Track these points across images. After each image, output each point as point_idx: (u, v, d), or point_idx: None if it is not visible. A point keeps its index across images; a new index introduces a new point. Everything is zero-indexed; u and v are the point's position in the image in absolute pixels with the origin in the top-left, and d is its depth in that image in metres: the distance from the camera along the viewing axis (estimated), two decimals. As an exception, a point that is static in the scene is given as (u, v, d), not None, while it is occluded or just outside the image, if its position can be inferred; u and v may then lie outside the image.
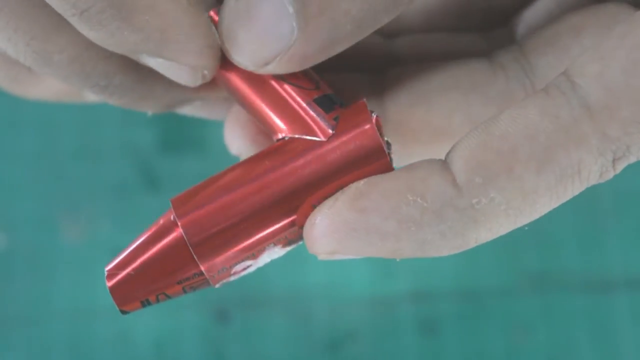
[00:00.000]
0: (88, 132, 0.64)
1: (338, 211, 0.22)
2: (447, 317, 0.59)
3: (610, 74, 0.21)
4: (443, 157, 0.23)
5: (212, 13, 0.24)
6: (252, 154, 0.26)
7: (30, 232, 0.61)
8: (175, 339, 0.59)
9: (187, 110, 0.30)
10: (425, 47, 0.30)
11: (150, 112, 0.30)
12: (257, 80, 0.24)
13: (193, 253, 0.24)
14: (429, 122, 0.27)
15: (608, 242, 0.60)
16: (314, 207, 0.23)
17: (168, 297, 0.25)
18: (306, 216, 0.24)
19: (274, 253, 0.25)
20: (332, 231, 0.22)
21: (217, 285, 0.25)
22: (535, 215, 0.22)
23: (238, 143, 0.28)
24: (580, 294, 0.60)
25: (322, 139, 0.23)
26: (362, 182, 0.22)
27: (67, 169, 0.63)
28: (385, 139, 0.24)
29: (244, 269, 0.25)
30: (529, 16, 0.30)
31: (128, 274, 0.25)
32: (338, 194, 0.23)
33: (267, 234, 0.24)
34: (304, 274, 0.59)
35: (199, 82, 0.24)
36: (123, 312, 0.25)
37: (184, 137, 0.64)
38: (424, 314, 0.59)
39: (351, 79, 0.28)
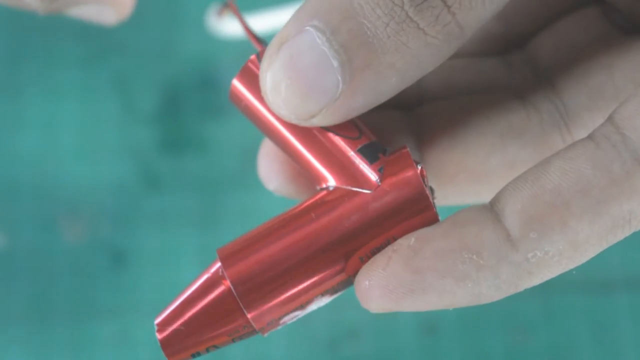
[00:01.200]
0: (88, 132, 0.64)
1: (393, 272, 0.22)
2: (447, 316, 0.59)
3: None
4: (477, 197, 0.24)
5: (253, 57, 0.25)
6: (292, 193, 0.27)
7: (30, 232, 0.61)
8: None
9: (75, 12, 0.30)
10: (450, 76, 0.30)
11: (40, 13, 0.29)
12: (301, 128, 0.24)
13: (242, 307, 0.24)
14: (466, 166, 0.27)
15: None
16: (361, 259, 0.24)
17: (217, 348, 0.25)
18: (354, 268, 0.24)
19: (321, 302, 0.25)
20: (389, 292, 0.22)
21: (265, 335, 0.25)
22: (584, 260, 0.22)
23: (277, 181, 0.28)
24: (580, 294, 0.60)
25: (368, 191, 0.23)
26: (412, 239, 0.22)
27: (67, 169, 0.63)
28: (429, 185, 0.24)
29: (292, 318, 0.25)
30: (549, 44, 0.30)
31: (178, 329, 0.25)
32: (390, 252, 0.22)
33: (315, 286, 0.24)
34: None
35: None
36: None
37: (184, 137, 0.64)
38: (424, 313, 0.59)
39: (383, 116, 0.28)
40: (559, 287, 0.60)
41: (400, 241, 0.23)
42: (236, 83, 0.25)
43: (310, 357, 0.59)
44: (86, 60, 0.66)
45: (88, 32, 0.66)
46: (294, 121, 0.23)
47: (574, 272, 0.23)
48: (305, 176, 0.26)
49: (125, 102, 0.64)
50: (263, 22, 0.60)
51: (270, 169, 0.28)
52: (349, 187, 0.24)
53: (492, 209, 0.22)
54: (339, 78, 0.22)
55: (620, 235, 0.22)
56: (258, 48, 0.26)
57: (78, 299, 0.60)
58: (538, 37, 0.30)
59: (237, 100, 0.26)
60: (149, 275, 0.60)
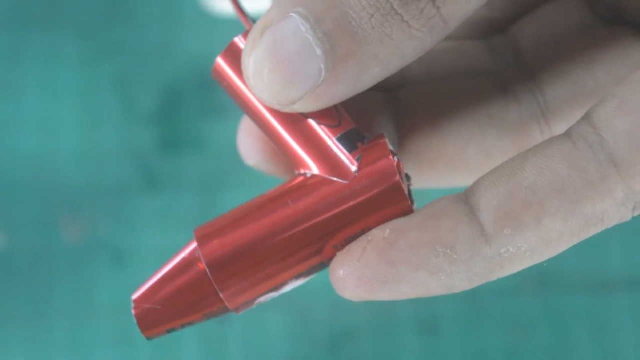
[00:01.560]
0: (88, 132, 0.64)
1: (368, 263, 0.22)
2: (447, 316, 0.59)
3: (639, 133, 0.21)
4: (454, 183, 0.24)
5: (240, 37, 0.25)
6: (271, 170, 0.27)
7: (30, 232, 0.62)
8: (175, 339, 0.59)
9: None
10: (432, 59, 0.30)
11: None
12: (282, 113, 0.24)
13: (217, 290, 0.24)
14: (445, 153, 0.28)
15: (608, 242, 0.60)
16: (335, 247, 0.24)
17: (192, 324, 0.25)
18: (328, 255, 0.24)
19: (296, 284, 0.25)
20: (364, 283, 0.22)
21: (239, 314, 0.25)
22: (555, 254, 0.23)
23: (257, 157, 0.28)
24: (580, 294, 0.60)
25: (346, 181, 0.24)
26: (387, 230, 0.23)
27: (67, 170, 0.63)
28: (405, 173, 0.24)
29: (267, 298, 0.25)
30: (531, 29, 0.30)
31: (154, 307, 0.25)
32: (365, 243, 0.23)
33: (290, 270, 0.24)
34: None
35: None
36: (148, 338, 0.26)
37: (183, 137, 0.64)
38: (423, 313, 0.59)
39: (364, 97, 0.28)
40: (559, 287, 0.60)
41: (375, 232, 0.23)
42: (220, 61, 0.25)
43: (310, 357, 0.59)
44: (86, 60, 0.66)
45: (88, 32, 0.66)
46: (275, 106, 0.23)
47: (544, 264, 0.23)
48: (284, 159, 0.26)
49: (125, 102, 0.64)
50: (256, 1, 0.59)
51: (250, 146, 0.28)
52: (327, 176, 0.24)
53: (467, 201, 0.22)
54: (322, 66, 0.22)
55: (592, 232, 0.22)
56: (246, 26, 0.26)
57: (78, 298, 0.60)
58: (520, 22, 0.30)
59: (220, 78, 0.25)
60: (148, 274, 0.60)
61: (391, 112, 0.28)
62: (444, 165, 0.28)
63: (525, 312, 0.59)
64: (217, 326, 0.59)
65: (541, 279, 0.60)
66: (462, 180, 0.28)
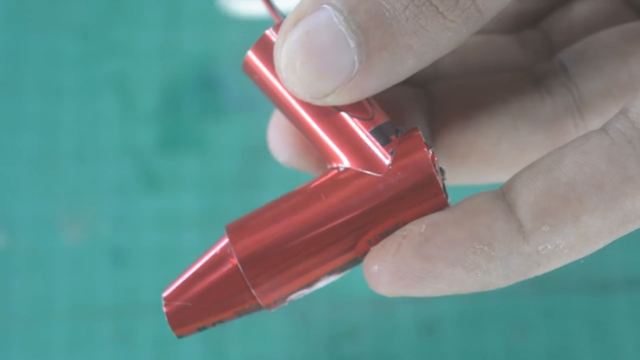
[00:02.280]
0: (88, 132, 0.64)
1: (403, 258, 0.22)
2: (447, 317, 0.59)
3: None
4: (487, 179, 0.24)
5: (271, 30, 0.24)
6: (302, 166, 0.27)
7: (30, 231, 0.61)
8: (175, 338, 0.58)
9: None
10: (464, 53, 0.30)
11: None
12: (314, 106, 0.24)
13: (249, 285, 0.24)
14: (478, 147, 0.27)
15: (608, 242, 0.60)
16: (369, 242, 0.24)
17: (223, 322, 0.25)
18: (361, 250, 0.24)
19: (328, 280, 0.25)
20: (399, 278, 0.22)
21: (271, 310, 0.25)
22: (592, 251, 0.22)
23: (288, 153, 0.28)
24: (579, 294, 0.59)
25: (379, 174, 0.23)
26: (423, 225, 0.22)
27: (67, 169, 0.63)
28: (439, 167, 0.24)
29: (299, 295, 0.25)
30: (564, 22, 0.30)
31: (185, 305, 0.25)
32: (400, 238, 0.22)
33: (322, 266, 0.24)
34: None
35: None
36: (179, 336, 0.26)
37: (183, 136, 0.64)
38: (423, 313, 0.59)
39: (396, 92, 0.28)
40: (559, 287, 0.60)
41: (410, 227, 0.23)
42: (251, 55, 0.25)
43: (309, 356, 0.59)
44: (86, 60, 0.66)
45: (88, 31, 0.66)
46: (308, 99, 0.23)
47: (582, 261, 0.23)
48: (317, 153, 0.26)
49: (125, 102, 0.64)
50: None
51: (281, 141, 0.28)
52: (360, 169, 0.24)
53: (504, 198, 0.22)
54: (355, 58, 0.22)
55: (631, 228, 0.22)
56: (276, 20, 0.26)
57: (77, 298, 0.60)
58: (552, 15, 0.30)
59: (250, 72, 0.25)
60: (148, 274, 0.60)
61: (423, 106, 0.28)
62: (477, 160, 0.27)
63: (524, 312, 0.59)
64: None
65: (541, 279, 0.60)
66: (495, 176, 0.28)
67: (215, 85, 0.65)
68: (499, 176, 0.27)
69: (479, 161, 0.27)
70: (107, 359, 0.59)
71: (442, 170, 0.24)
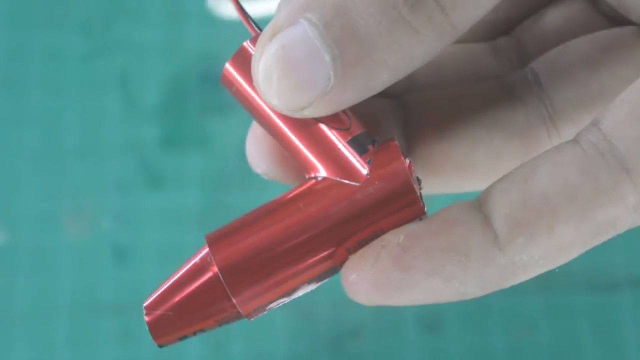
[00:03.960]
0: (90, 129, 0.64)
1: (382, 269, 0.22)
2: (450, 314, 0.59)
3: None
4: (462, 188, 0.25)
5: (247, 42, 0.25)
6: (279, 177, 0.27)
7: (33, 228, 0.62)
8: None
9: None
10: (438, 62, 0.30)
11: None
12: (292, 118, 0.24)
13: (229, 294, 0.24)
14: (452, 156, 0.28)
15: (612, 241, 0.60)
16: (347, 250, 0.24)
17: (204, 331, 0.25)
18: (340, 258, 0.24)
19: (308, 289, 0.25)
20: (377, 288, 0.22)
21: (251, 320, 0.25)
22: (567, 260, 0.23)
23: (265, 164, 0.28)
24: (583, 292, 0.59)
25: (357, 183, 0.24)
26: (401, 236, 0.22)
27: (69, 166, 0.63)
28: (416, 176, 0.24)
29: (279, 304, 0.25)
30: (536, 30, 0.30)
31: (166, 314, 0.25)
32: (378, 248, 0.23)
33: (301, 275, 0.24)
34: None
35: None
36: (160, 346, 0.26)
37: (186, 134, 0.64)
38: (426, 311, 0.59)
39: (371, 103, 0.28)
40: (562, 286, 0.60)
41: (388, 237, 0.23)
42: (229, 67, 0.25)
43: (312, 354, 0.59)
44: (88, 56, 0.66)
45: (90, 28, 0.66)
46: (285, 112, 0.23)
47: (556, 270, 0.23)
48: (294, 164, 0.26)
49: (128, 99, 0.64)
50: (260, 6, 0.59)
51: (258, 153, 0.28)
52: (338, 179, 0.24)
53: (480, 209, 0.22)
54: (331, 72, 0.22)
55: (605, 238, 0.22)
56: (252, 33, 0.26)
57: (80, 295, 0.60)
58: (525, 24, 0.30)
59: (228, 84, 0.26)
60: (151, 271, 0.60)
61: (398, 117, 0.28)
62: (452, 170, 0.28)
63: (528, 311, 0.59)
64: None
65: (544, 278, 0.60)
66: (470, 185, 0.28)
67: (217, 83, 0.65)
68: (474, 185, 0.28)
69: (454, 171, 0.28)
70: (110, 355, 0.59)
71: (418, 180, 0.25)
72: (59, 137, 0.64)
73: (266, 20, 0.23)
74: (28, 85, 0.65)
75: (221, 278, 0.24)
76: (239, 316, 0.25)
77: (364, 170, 0.24)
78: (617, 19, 0.29)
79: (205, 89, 0.65)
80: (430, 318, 0.59)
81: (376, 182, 0.23)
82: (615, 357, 0.59)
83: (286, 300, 0.25)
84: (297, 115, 0.23)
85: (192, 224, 0.61)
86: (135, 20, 0.67)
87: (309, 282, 0.24)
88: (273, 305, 0.25)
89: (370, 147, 0.24)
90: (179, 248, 0.60)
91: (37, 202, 0.62)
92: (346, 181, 0.24)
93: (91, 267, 0.61)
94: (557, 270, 0.23)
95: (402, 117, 0.28)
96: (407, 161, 0.24)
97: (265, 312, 0.25)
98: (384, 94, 0.28)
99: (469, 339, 0.59)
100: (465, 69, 0.30)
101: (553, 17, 0.30)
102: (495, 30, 0.31)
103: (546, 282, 0.60)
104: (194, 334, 0.25)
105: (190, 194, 0.62)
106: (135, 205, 0.62)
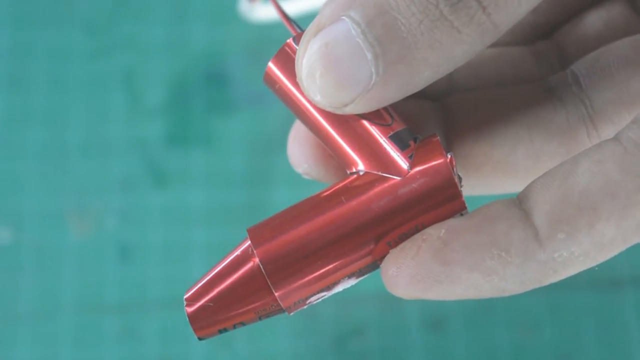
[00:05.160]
0: (95, 127, 0.64)
1: (422, 262, 0.23)
2: (454, 313, 0.59)
3: None
4: (502, 189, 0.25)
5: (290, 41, 0.25)
6: (321, 176, 0.27)
7: (37, 227, 0.62)
8: (182, 334, 0.59)
9: None
10: (478, 65, 0.30)
11: None
12: (334, 115, 0.25)
13: (270, 285, 0.24)
14: (493, 157, 0.28)
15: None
16: (388, 244, 0.24)
17: (244, 324, 0.26)
18: (381, 252, 0.24)
19: (348, 284, 0.25)
20: (418, 281, 0.23)
21: (291, 314, 0.25)
22: (606, 259, 0.23)
23: (307, 163, 0.28)
24: (587, 291, 0.59)
25: (398, 177, 0.24)
26: (442, 230, 0.23)
27: (74, 164, 0.63)
28: (457, 173, 0.25)
29: (318, 298, 0.25)
30: (576, 34, 0.30)
31: (207, 305, 0.25)
32: (419, 241, 0.23)
33: (343, 268, 0.24)
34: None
35: None
36: (200, 338, 0.26)
37: (191, 132, 0.64)
38: (430, 310, 0.59)
39: (413, 105, 0.29)
40: (566, 284, 0.59)
41: (430, 231, 0.23)
42: (272, 65, 0.26)
43: (315, 353, 0.59)
44: (93, 54, 0.66)
45: (95, 27, 0.66)
46: (328, 108, 0.24)
47: (596, 268, 0.23)
48: (336, 160, 0.26)
49: (133, 97, 0.64)
50: (297, 6, 0.59)
51: (300, 152, 0.28)
52: (380, 173, 0.24)
53: (520, 206, 0.23)
54: (372, 70, 0.22)
55: None
56: (293, 33, 0.26)
57: (84, 293, 0.60)
58: (565, 28, 0.31)
59: (271, 82, 0.26)
60: (155, 270, 0.60)
61: (439, 119, 0.29)
62: (492, 170, 0.28)
63: (532, 309, 0.59)
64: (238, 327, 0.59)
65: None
66: (511, 186, 0.28)
67: (223, 81, 0.65)
68: (514, 186, 0.28)
69: (494, 171, 0.28)
70: (114, 354, 0.59)
71: (459, 177, 0.25)
72: (63, 135, 0.64)
73: (307, 19, 0.23)
74: (33, 83, 0.65)
75: (262, 269, 0.24)
76: (279, 310, 0.25)
77: (406, 165, 0.24)
78: None
79: (210, 88, 0.65)
80: (434, 317, 0.59)
81: (418, 177, 0.24)
82: (619, 355, 0.59)
83: (326, 295, 0.25)
84: (339, 112, 0.24)
85: (197, 223, 0.61)
86: (140, 19, 0.67)
87: (350, 276, 0.25)
88: (313, 299, 0.25)
89: (411, 143, 0.24)
90: (184, 246, 0.60)
91: (42, 200, 0.62)
92: (388, 175, 0.24)
93: (95, 266, 0.61)
94: (596, 268, 0.23)
95: (443, 118, 0.29)
96: (449, 156, 0.24)
97: (306, 307, 0.25)
98: (425, 96, 0.29)
99: (472, 337, 0.59)
100: (505, 72, 0.30)
101: (593, 21, 0.30)
102: (535, 34, 0.31)
103: (550, 280, 0.60)
104: (234, 327, 0.25)
105: (196, 192, 0.62)
106: (139, 204, 0.62)
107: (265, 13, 0.62)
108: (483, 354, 0.59)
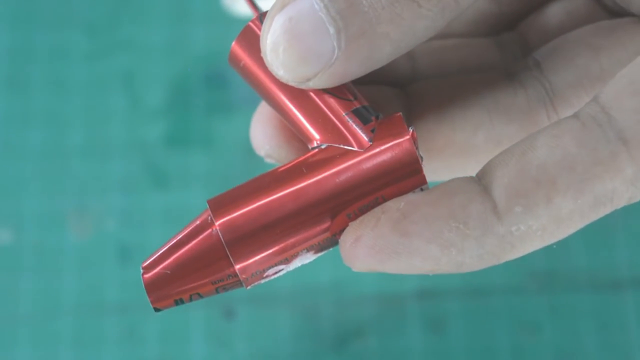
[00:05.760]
0: (95, 128, 0.64)
1: (381, 233, 0.23)
2: (454, 314, 0.59)
3: None
4: (463, 172, 0.24)
5: (254, 19, 0.25)
6: (283, 158, 0.27)
7: (37, 228, 0.62)
8: (182, 335, 0.59)
9: None
10: (442, 55, 0.30)
11: None
12: (297, 89, 0.25)
13: (229, 254, 0.24)
14: (454, 140, 0.28)
15: (615, 240, 0.60)
16: (348, 216, 0.24)
17: (201, 296, 0.25)
18: (340, 225, 0.24)
19: (306, 258, 0.25)
20: (376, 252, 0.23)
21: (248, 287, 0.25)
22: (564, 236, 0.23)
23: (269, 145, 0.29)
24: (587, 292, 0.59)
25: (359, 149, 0.24)
26: (402, 203, 0.23)
27: (74, 166, 0.63)
28: (419, 153, 0.25)
29: (276, 272, 0.25)
30: (540, 24, 0.30)
31: (164, 273, 0.25)
32: (379, 213, 0.23)
33: (301, 240, 0.24)
34: (310, 271, 0.59)
35: None
36: (156, 309, 0.26)
37: (190, 133, 0.64)
38: (430, 311, 0.59)
39: (376, 91, 0.29)
40: (566, 285, 0.60)
41: (389, 204, 0.23)
42: (235, 46, 0.26)
43: (316, 353, 0.59)
44: (93, 56, 0.66)
45: (95, 28, 0.66)
46: (291, 83, 0.24)
47: (554, 246, 0.23)
48: (299, 136, 0.26)
49: (132, 98, 0.65)
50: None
51: (263, 133, 0.29)
52: (341, 146, 0.24)
53: (479, 181, 0.23)
54: (335, 44, 0.22)
55: (602, 213, 0.22)
56: (255, 14, 0.27)
57: (84, 295, 0.60)
58: (529, 18, 0.31)
59: (236, 61, 0.26)
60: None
61: (402, 105, 0.29)
62: (453, 153, 0.28)
63: (532, 310, 0.59)
64: (223, 322, 0.59)
65: (548, 277, 0.60)
66: (472, 169, 0.29)
67: (222, 82, 0.65)
68: (475, 169, 0.28)
69: (456, 154, 0.28)
70: (114, 355, 0.59)
71: (421, 157, 0.25)
72: (63, 136, 0.64)
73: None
74: (33, 84, 0.65)
75: (220, 237, 0.24)
76: (236, 282, 0.25)
77: (367, 138, 0.24)
78: (618, 13, 0.29)
79: (210, 89, 0.65)
80: (435, 317, 0.59)
81: (379, 149, 0.24)
82: (619, 356, 0.59)
83: (284, 269, 0.25)
84: (303, 87, 0.24)
85: (197, 224, 0.61)
86: (140, 20, 0.67)
87: (309, 249, 0.25)
88: (271, 272, 0.25)
89: (374, 119, 0.25)
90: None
91: (42, 201, 0.62)
92: (350, 148, 0.24)
93: (95, 267, 0.61)
94: (554, 246, 0.23)
95: (405, 104, 0.29)
96: (411, 130, 0.24)
97: (263, 281, 0.25)
98: (389, 83, 0.29)
99: (472, 338, 0.59)
100: (469, 62, 0.30)
101: (556, 11, 0.30)
102: (499, 25, 0.31)
103: (549, 281, 0.60)
104: (191, 298, 0.25)
105: (195, 193, 0.62)
106: (139, 205, 0.62)
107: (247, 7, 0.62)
108: (483, 355, 0.59)
